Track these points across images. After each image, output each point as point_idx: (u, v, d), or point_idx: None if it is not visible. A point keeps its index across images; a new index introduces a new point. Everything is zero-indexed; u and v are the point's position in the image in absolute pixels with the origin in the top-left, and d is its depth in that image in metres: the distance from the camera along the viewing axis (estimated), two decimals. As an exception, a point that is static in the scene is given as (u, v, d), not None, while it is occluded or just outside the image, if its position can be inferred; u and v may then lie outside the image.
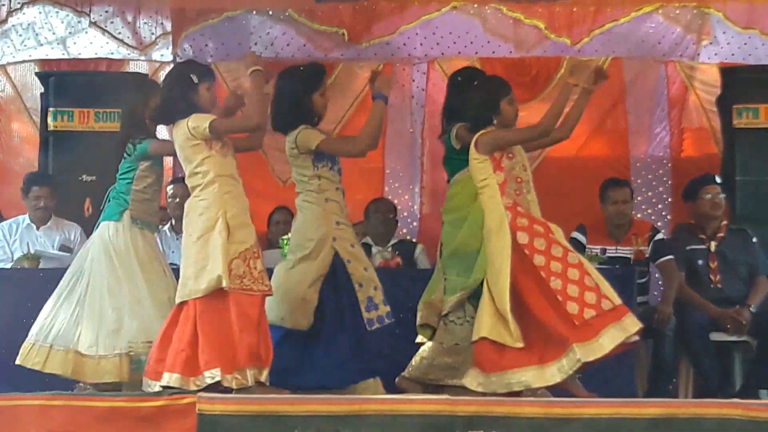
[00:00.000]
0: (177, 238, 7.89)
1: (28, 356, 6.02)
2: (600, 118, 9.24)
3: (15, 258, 7.52)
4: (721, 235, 7.37)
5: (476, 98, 5.88)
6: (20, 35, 9.18)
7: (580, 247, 7.38)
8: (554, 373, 5.48)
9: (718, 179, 7.50)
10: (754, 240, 7.40)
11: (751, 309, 7.11)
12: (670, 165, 9.19)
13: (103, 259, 5.98)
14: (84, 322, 6.00)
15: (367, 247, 7.99)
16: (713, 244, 7.34)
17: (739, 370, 7.20)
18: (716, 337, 7.10)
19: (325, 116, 6.04)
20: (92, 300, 5.97)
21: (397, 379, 6.09)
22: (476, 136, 5.78)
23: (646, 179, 9.14)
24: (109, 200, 6.09)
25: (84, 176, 7.57)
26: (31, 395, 5.35)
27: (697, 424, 4.97)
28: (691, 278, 7.30)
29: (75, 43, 9.23)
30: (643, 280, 7.45)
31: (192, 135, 5.54)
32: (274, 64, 9.19)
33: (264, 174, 8.90)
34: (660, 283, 7.57)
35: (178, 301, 5.49)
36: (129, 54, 9.27)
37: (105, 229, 6.05)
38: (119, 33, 9.05)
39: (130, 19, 9.06)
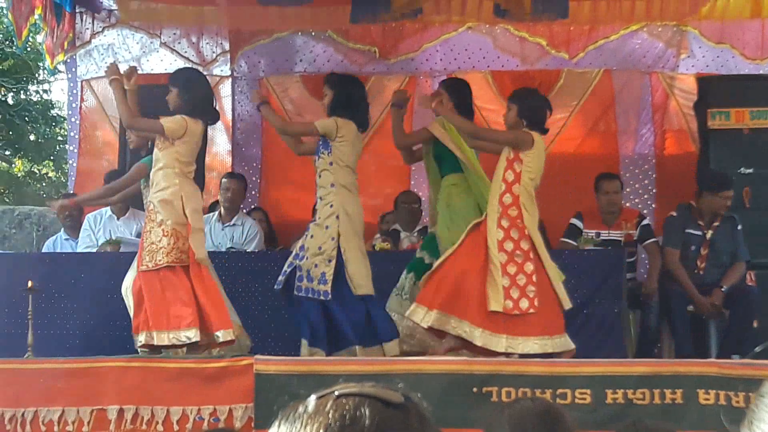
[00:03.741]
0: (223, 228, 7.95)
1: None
2: (593, 121, 9.18)
3: (99, 244, 7.53)
4: (717, 224, 7.10)
5: None
6: (102, 54, 9.17)
7: (578, 231, 7.37)
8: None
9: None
10: (739, 227, 7.13)
11: (723, 289, 6.95)
12: (654, 161, 9.10)
13: None
14: None
15: (396, 233, 7.98)
16: (710, 233, 7.09)
17: (714, 338, 7.12)
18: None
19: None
20: None
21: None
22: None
23: (633, 173, 9.06)
24: None
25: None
26: (112, 358, 5.36)
27: (678, 380, 4.95)
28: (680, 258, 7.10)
29: (148, 60, 9.20)
30: (632, 259, 7.37)
31: None
32: (319, 78, 9.26)
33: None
34: (646, 262, 7.51)
35: None
36: (194, 70, 9.27)
37: None
38: (185, 52, 9.03)
39: (194, 40, 9.04)
